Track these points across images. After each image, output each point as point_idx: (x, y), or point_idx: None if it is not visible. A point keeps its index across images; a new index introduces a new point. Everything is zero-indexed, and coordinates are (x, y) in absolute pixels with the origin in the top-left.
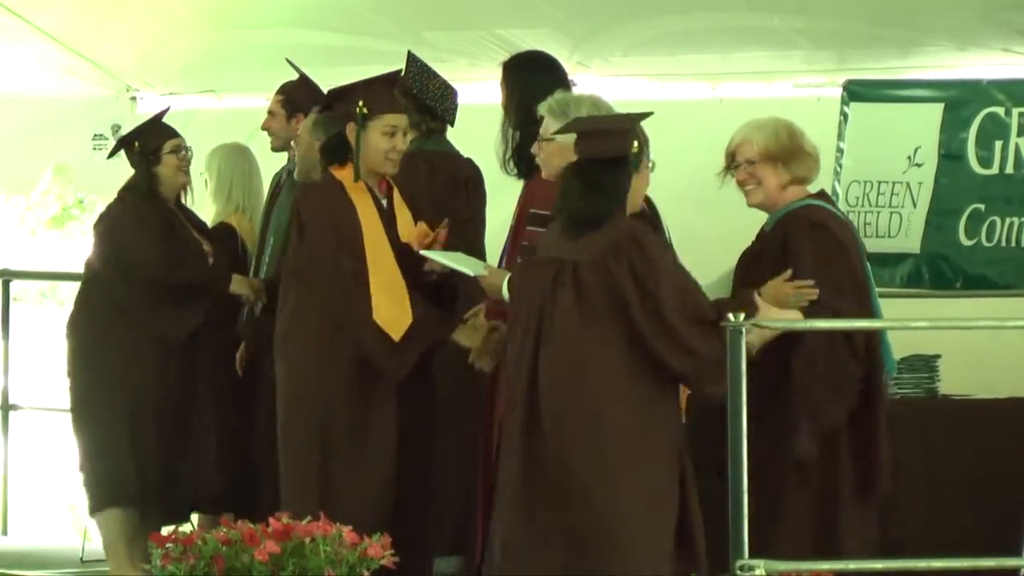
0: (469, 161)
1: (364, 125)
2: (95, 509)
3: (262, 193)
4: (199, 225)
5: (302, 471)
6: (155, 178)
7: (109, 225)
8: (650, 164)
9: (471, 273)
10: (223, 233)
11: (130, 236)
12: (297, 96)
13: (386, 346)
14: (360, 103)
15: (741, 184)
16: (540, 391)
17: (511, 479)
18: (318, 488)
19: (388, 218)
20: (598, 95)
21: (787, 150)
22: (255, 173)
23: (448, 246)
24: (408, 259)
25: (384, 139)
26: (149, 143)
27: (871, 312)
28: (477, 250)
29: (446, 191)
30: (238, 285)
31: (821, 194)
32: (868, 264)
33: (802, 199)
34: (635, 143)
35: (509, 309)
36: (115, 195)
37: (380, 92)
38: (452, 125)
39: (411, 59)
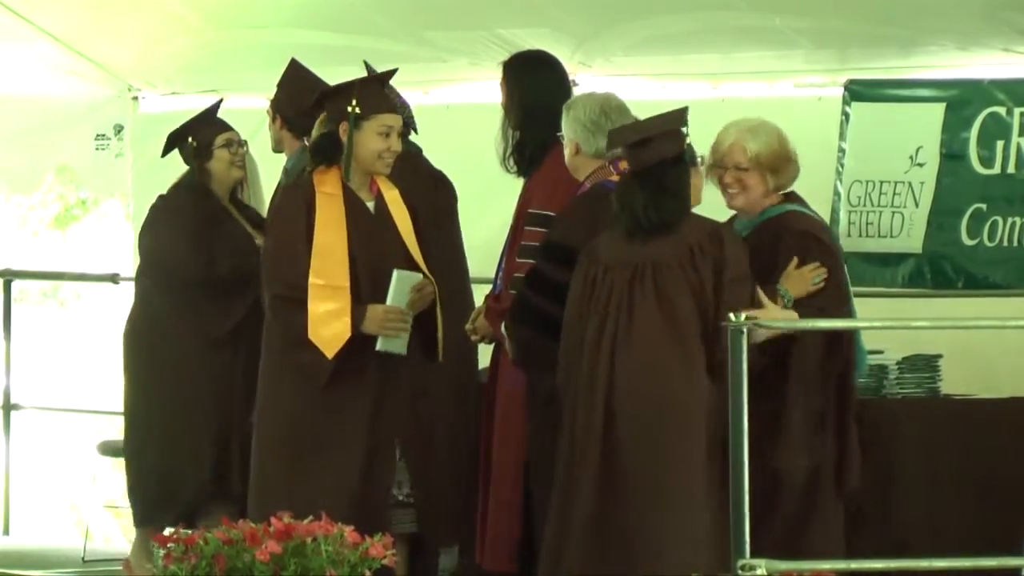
0: (428, 160)
1: (358, 125)
2: (143, 522)
3: (262, 192)
4: (254, 220)
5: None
6: (207, 173)
7: (146, 226)
8: (699, 159)
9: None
10: None
11: (163, 237)
12: (277, 98)
13: (321, 362)
14: (353, 102)
15: (725, 187)
16: (618, 394)
17: (583, 479)
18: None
19: (374, 222)
20: (611, 92)
21: (779, 158)
22: (255, 173)
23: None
24: (396, 262)
25: (379, 139)
26: (200, 138)
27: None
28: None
29: (426, 188)
30: None
31: (793, 196)
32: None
33: (779, 204)
34: (687, 141)
35: (569, 318)
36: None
37: (374, 91)
38: (416, 132)
39: (369, 68)
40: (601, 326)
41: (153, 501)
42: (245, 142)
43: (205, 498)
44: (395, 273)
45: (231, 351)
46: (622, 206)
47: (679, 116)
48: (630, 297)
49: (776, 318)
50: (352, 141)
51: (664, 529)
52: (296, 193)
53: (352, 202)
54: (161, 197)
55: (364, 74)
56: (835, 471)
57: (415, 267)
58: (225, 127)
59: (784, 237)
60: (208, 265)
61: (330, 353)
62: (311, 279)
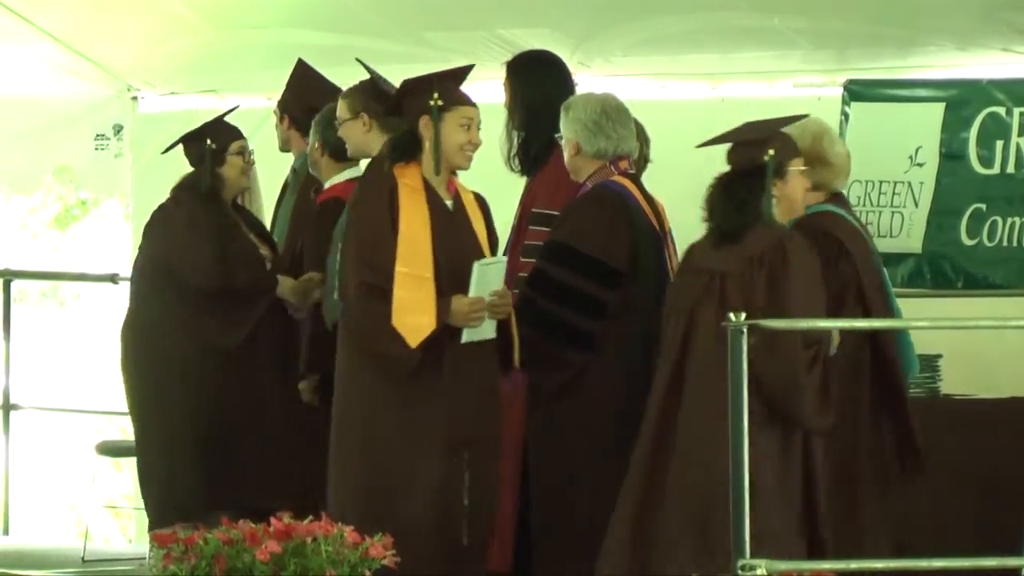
0: None
1: (441, 117)
2: (158, 525)
3: (262, 200)
4: (258, 228)
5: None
6: (219, 178)
7: (161, 226)
8: (798, 167)
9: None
10: None
11: (182, 239)
12: (284, 98)
13: (405, 352)
14: (435, 95)
15: None
16: (681, 401)
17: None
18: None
19: (453, 219)
20: (610, 93)
21: (810, 157)
22: (254, 175)
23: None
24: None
25: (461, 132)
26: (216, 142)
27: (890, 314)
28: None
29: None
30: (284, 289)
31: (837, 197)
32: (884, 271)
33: (816, 204)
34: (770, 151)
35: (665, 314)
36: (169, 194)
37: (453, 85)
38: None
39: (367, 67)
40: (676, 326)
41: (161, 505)
42: (252, 150)
43: (203, 507)
44: (476, 266)
45: (238, 360)
46: (707, 206)
47: (768, 126)
48: (701, 305)
49: None
50: (437, 134)
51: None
52: (380, 184)
53: (432, 198)
54: (173, 200)
55: (365, 75)
56: (896, 455)
57: None
58: (240, 134)
59: (809, 236)
60: (226, 275)
61: (414, 343)
62: (397, 267)
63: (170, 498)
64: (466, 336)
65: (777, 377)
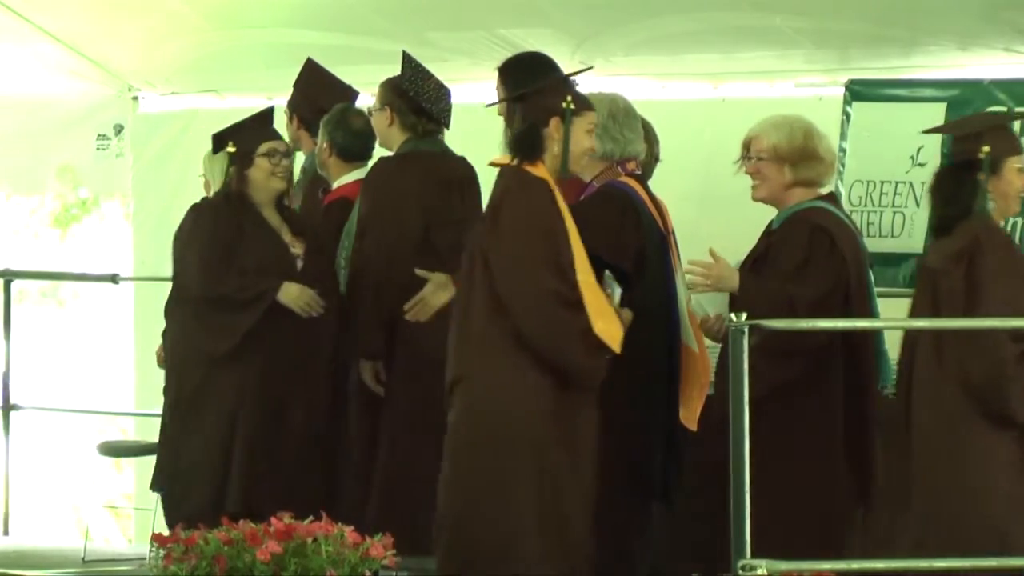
0: (463, 161)
1: (571, 121)
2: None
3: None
4: (299, 229)
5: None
6: (245, 180)
7: (176, 233)
8: (1016, 163)
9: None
10: None
11: (183, 249)
12: (293, 98)
13: (600, 363)
14: (568, 99)
15: (750, 175)
16: (912, 396)
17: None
18: None
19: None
20: (617, 93)
21: (798, 152)
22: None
23: (443, 250)
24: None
25: (587, 137)
26: (242, 144)
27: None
28: None
29: (438, 192)
30: (287, 296)
31: (829, 197)
32: (870, 273)
33: (810, 200)
34: (985, 147)
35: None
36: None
37: (580, 90)
38: (447, 127)
39: (406, 59)
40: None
41: (173, 503)
42: (292, 152)
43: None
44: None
45: (239, 367)
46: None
47: (981, 120)
48: (916, 298)
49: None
50: (568, 137)
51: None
52: (538, 185)
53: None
54: (195, 205)
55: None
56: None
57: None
58: (271, 135)
59: (797, 227)
60: (214, 283)
61: (617, 349)
62: (579, 276)
63: (174, 502)
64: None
65: (984, 375)
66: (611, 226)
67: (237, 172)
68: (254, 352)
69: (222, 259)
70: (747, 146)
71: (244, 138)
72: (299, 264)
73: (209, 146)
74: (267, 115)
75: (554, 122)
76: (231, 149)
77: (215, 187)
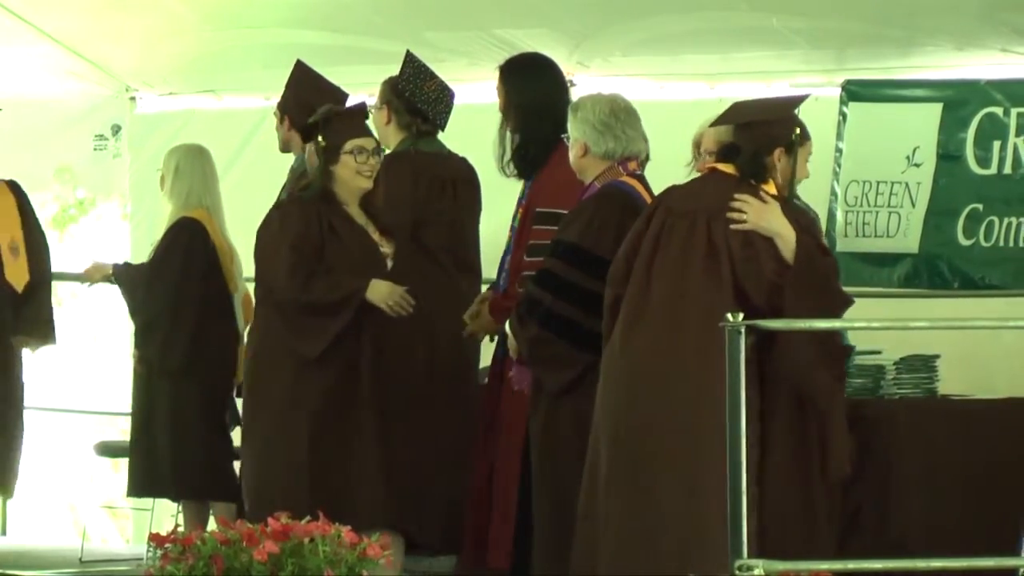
0: (461, 160)
1: (794, 151)
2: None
3: (220, 195)
4: (384, 228)
5: None
6: (331, 176)
7: (259, 231)
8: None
9: None
10: (191, 227)
11: (267, 250)
12: (284, 99)
13: None
14: (796, 131)
15: (701, 172)
16: None
17: None
18: None
19: None
20: (617, 93)
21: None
22: (213, 175)
23: (434, 249)
24: None
25: (806, 167)
26: (331, 139)
27: None
28: (465, 250)
29: (430, 192)
30: (376, 294)
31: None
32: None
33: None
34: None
35: None
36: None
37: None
38: (443, 130)
39: (409, 59)
40: None
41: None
42: (381, 150)
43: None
44: None
45: (329, 369)
46: None
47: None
48: None
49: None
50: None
51: None
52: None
53: None
54: (279, 202)
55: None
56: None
57: None
58: (361, 132)
59: None
60: (302, 290)
61: None
62: None
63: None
64: None
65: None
66: (611, 226)
67: (323, 168)
68: (342, 354)
69: (310, 263)
70: (697, 145)
71: (332, 132)
72: (389, 264)
73: (208, 146)
74: (358, 111)
75: (779, 151)
76: (323, 143)
77: (169, 182)
